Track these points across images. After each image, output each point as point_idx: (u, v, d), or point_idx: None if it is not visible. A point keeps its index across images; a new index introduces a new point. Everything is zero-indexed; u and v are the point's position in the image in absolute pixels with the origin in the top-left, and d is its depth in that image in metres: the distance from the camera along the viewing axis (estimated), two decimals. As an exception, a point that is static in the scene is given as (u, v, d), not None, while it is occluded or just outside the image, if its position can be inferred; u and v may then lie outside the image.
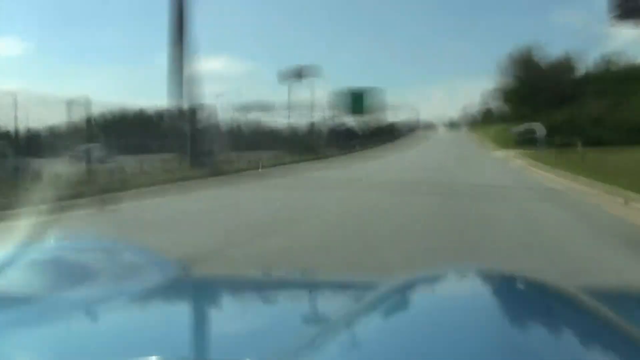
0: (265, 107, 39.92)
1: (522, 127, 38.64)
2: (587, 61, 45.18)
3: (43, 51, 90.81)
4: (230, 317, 1.04)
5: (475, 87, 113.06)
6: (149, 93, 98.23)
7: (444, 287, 1.00)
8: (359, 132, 50.32)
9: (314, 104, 43.54)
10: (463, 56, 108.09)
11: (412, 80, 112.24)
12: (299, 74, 41.67)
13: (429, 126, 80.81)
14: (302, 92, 51.27)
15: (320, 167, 23.59)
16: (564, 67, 45.53)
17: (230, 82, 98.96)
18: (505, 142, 42.11)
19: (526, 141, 36.80)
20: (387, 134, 57.13)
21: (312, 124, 44.08)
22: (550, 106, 39.69)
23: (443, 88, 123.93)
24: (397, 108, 57.39)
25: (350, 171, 21.31)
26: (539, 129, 36.03)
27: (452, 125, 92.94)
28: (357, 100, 48.20)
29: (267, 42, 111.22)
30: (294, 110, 42.18)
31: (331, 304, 1.11)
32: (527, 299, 0.91)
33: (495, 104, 61.91)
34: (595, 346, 0.74)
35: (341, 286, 1.28)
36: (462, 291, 0.95)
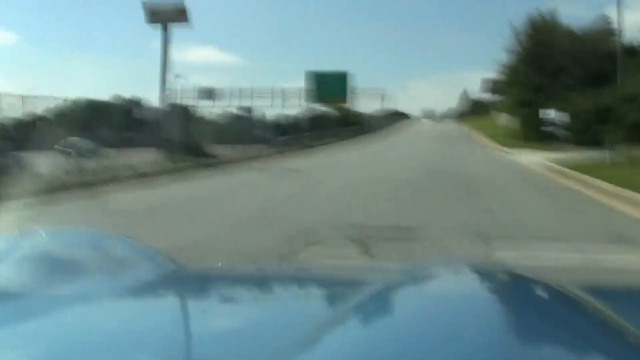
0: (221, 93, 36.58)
1: (541, 114, 28.23)
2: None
3: (29, 43, 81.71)
4: (224, 311, 1.02)
5: (464, 80, 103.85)
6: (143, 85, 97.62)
7: (439, 281, 1.00)
8: (305, 122, 39.53)
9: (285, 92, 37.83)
10: (452, 48, 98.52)
11: (394, 70, 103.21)
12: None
13: (410, 118, 70.00)
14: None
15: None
16: (596, 36, 30.56)
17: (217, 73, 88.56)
18: (508, 137, 31.63)
19: (534, 133, 27.50)
20: (353, 126, 44.18)
21: (248, 111, 34.86)
22: (571, 87, 27.64)
23: (429, 80, 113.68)
24: (370, 96, 47.22)
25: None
26: (560, 117, 26.64)
27: (436, 117, 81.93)
28: (323, 85, 40.71)
29: (257, 35, 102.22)
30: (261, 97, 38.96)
31: (325, 298, 1.11)
32: (519, 294, 0.90)
33: (489, 93, 52.43)
34: (589, 343, 0.73)
35: (336, 280, 1.29)
36: (456, 286, 0.95)
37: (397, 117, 60.17)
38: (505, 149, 26.68)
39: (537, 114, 28.55)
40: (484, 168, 17.22)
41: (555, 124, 26.52)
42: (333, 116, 42.98)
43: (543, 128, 27.35)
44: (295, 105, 40.99)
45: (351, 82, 41.23)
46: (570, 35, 31.29)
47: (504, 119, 41.07)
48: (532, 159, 18.71)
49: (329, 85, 39.88)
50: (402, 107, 76.82)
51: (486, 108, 55.91)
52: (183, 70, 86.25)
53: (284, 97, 41.37)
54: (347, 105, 43.77)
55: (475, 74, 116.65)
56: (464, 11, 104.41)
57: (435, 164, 17.78)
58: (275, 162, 21.17)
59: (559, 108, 26.64)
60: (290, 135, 32.13)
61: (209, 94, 36.73)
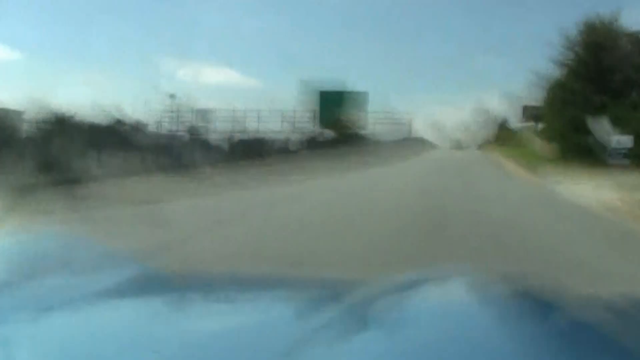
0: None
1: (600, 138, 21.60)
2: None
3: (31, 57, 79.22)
4: (196, 316, 0.99)
5: (487, 105, 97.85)
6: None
7: (436, 288, 0.99)
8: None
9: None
10: (475, 72, 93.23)
11: (413, 93, 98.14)
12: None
13: (427, 143, 60.56)
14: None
15: None
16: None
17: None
18: (556, 166, 20.94)
19: (586, 160, 20.52)
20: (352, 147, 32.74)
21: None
22: (636, 106, 21.68)
23: (452, 106, 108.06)
24: (381, 118, 41.82)
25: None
26: (624, 141, 21.29)
27: (457, 143, 71.76)
28: (328, 104, 35.67)
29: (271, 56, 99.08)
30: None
31: (318, 301, 1.06)
32: (519, 302, 0.90)
33: (528, 121, 43.38)
34: (582, 351, 0.74)
35: (324, 285, 1.26)
36: (451, 293, 0.95)
37: (413, 142, 51.87)
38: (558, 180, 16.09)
39: (591, 138, 22.05)
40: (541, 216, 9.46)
41: (618, 150, 21.44)
42: (329, 136, 36.10)
43: (601, 154, 21.32)
44: (306, 128, 36.61)
45: (362, 102, 36.95)
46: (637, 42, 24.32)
47: (540, 146, 32.60)
48: (604, 196, 11.46)
49: (336, 105, 34.98)
50: (422, 133, 68.40)
51: (512, 134, 49.14)
52: (196, 91, 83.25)
53: (295, 119, 37.33)
54: (354, 123, 38.59)
55: (498, 97, 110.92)
56: (486, 34, 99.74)
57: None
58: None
59: (621, 131, 21.61)
60: (257, 157, 23.56)
61: (203, 115, 31.41)
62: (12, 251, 1.20)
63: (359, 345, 0.71)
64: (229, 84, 78.64)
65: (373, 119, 40.88)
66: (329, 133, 36.63)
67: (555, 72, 26.55)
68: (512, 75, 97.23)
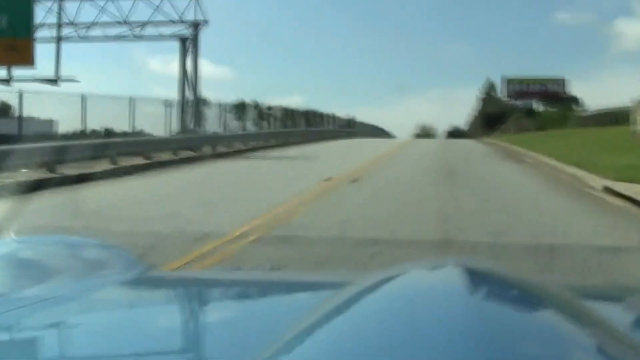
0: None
1: None
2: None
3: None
4: (194, 316, 1.03)
5: (462, 96, 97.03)
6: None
7: (422, 282, 0.99)
8: None
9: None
10: (446, 60, 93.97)
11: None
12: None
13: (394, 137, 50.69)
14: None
15: None
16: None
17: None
18: None
19: None
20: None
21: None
22: None
23: (423, 96, 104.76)
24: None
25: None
26: None
27: (429, 133, 63.40)
28: None
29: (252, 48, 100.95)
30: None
31: (307, 301, 1.06)
32: (511, 297, 0.90)
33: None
34: (576, 344, 0.73)
35: (318, 284, 1.28)
36: (439, 287, 0.94)
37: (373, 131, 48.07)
38: None
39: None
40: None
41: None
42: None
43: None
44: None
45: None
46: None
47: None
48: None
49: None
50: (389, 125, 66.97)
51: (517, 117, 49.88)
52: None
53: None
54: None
55: (473, 88, 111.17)
56: (458, 22, 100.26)
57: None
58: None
59: None
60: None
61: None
62: (17, 256, 1.20)
63: (341, 343, 0.70)
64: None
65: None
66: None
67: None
68: (483, 67, 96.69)
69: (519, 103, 51.39)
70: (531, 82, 51.76)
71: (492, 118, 51.13)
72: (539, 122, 44.54)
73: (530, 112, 50.80)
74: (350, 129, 43.36)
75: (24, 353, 0.81)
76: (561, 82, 52.26)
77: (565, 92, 51.48)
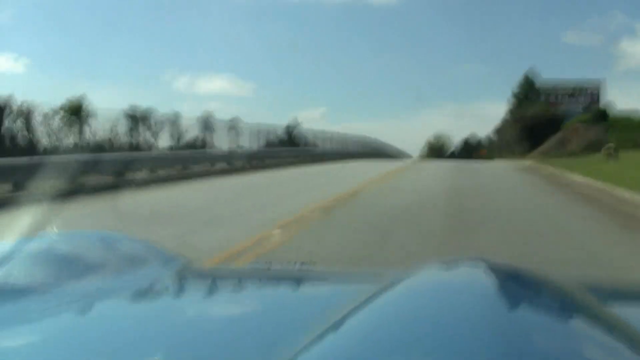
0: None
1: None
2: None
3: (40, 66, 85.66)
4: (232, 310, 1.04)
5: (478, 111, 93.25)
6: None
7: (449, 280, 0.98)
8: None
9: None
10: (462, 77, 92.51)
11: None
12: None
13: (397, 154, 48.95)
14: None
15: None
16: None
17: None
18: None
19: None
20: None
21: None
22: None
23: (438, 110, 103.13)
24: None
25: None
26: None
27: (443, 146, 59.75)
28: None
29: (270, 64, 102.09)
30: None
31: (335, 297, 1.07)
32: (527, 295, 0.90)
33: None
34: (590, 342, 0.72)
35: (345, 279, 1.30)
36: (464, 284, 0.94)
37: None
38: None
39: None
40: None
41: None
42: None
43: None
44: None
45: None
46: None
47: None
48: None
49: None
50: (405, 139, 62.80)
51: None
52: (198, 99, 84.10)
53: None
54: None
55: (489, 104, 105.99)
56: (472, 40, 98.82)
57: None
58: None
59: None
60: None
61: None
62: (58, 250, 1.23)
63: (361, 341, 0.70)
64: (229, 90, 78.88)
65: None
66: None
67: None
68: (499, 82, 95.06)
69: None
70: (566, 89, 40.09)
71: (532, 127, 33.22)
72: (616, 132, 28.19)
73: (601, 115, 33.75)
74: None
75: (65, 347, 0.82)
76: (596, 86, 40.46)
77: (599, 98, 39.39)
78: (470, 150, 46.87)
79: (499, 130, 40.57)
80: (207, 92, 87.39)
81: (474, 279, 0.92)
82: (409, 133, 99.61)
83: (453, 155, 51.76)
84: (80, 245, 1.28)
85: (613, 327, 0.77)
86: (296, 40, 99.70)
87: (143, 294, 1.08)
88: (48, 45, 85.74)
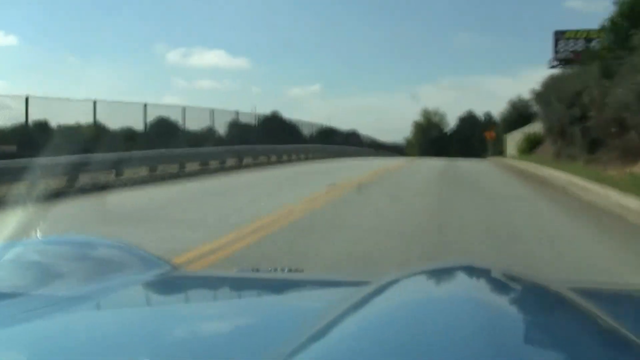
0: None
1: None
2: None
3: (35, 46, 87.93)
4: (218, 315, 1.03)
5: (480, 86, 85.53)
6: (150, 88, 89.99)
7: (436, 284, 0.98)
8: None
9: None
10: (462, 49, 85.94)
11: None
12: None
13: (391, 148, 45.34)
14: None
15: None
16: None
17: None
18: None
19: None
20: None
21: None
22: None
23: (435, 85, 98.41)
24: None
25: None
26: None
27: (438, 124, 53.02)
28: None
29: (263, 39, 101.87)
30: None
31: (322, 302, 1.07)
32: (518, 298, 0.91)
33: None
34: (583, 346, 0.73)
35: (333, 284, 1.29)
36: (452, 289, 0.94)
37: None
38: None
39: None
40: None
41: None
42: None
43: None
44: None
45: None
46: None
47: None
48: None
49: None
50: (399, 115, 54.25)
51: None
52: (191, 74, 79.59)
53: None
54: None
55: (492, 78, 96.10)
56: (473, 11, 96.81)
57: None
58: None
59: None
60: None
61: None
62: (39, 254, 1.20)
63: (356, 343, 0.70)
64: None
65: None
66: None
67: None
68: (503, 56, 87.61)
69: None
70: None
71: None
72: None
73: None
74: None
75: (42, 354, 0.81)
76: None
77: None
78: (470, 132, 38.76)
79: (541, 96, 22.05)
80: (200, 67, 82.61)
81: (461, 285, 0.92)
82: (408, 109, 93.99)
83: (450, 139, 45.09)
84: (62, 251, 1.26)
85: (601, 329, 0.78)
86: (290, 14, 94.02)
87: (125, 299, 1.06)
88: (36, 21, 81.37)
